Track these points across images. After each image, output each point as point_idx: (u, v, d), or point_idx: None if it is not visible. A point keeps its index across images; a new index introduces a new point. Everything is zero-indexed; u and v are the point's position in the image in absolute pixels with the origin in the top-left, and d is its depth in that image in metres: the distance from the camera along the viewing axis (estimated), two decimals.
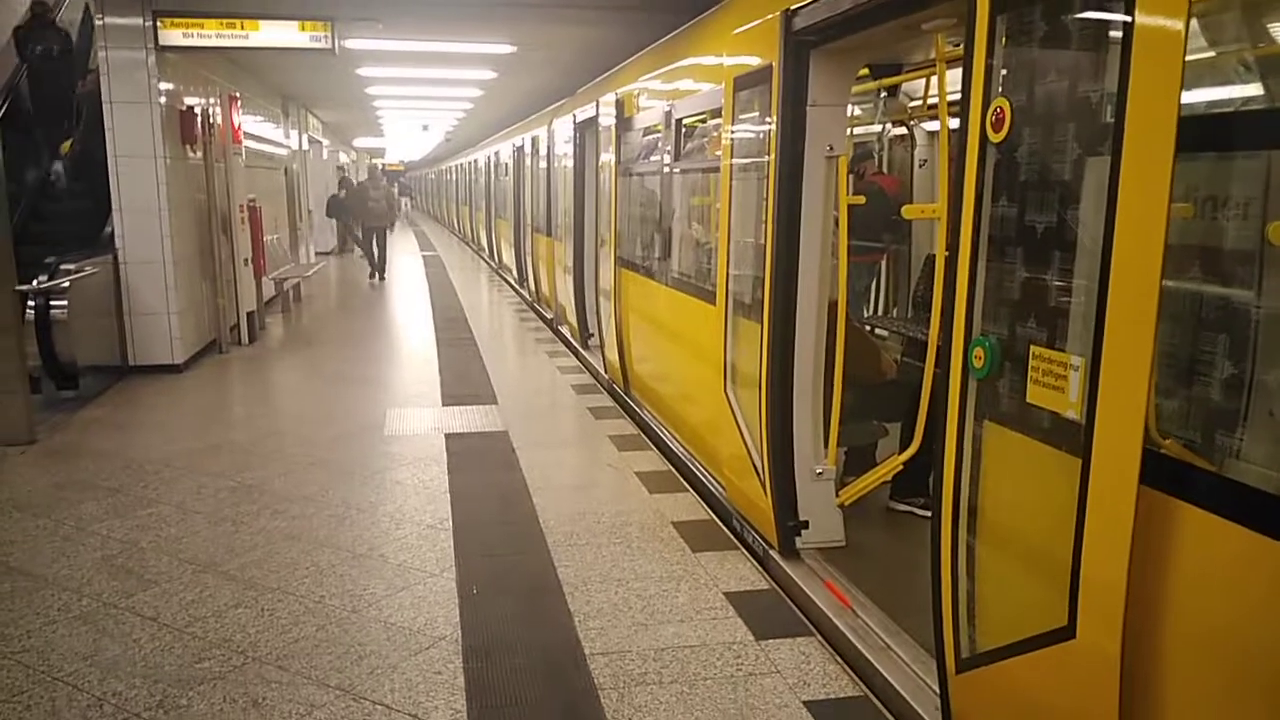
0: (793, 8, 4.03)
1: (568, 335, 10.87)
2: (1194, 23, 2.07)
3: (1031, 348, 2.45)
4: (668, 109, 6.34)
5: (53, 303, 7.27)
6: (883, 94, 6.60)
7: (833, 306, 4.26)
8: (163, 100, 8.40)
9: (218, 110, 10.11)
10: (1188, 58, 1.99)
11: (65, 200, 9.70)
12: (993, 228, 2.63)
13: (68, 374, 7.48)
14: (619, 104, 7.74)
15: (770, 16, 4.23)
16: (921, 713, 3.16)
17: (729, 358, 4.94)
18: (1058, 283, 2.42)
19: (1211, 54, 2.51)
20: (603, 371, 8.62)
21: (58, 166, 9.96)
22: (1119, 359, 2.14)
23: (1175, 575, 2.10)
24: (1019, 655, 2.53)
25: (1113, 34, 2.19)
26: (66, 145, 9.98)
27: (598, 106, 8.58)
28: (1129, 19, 2.09)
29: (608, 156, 8.17)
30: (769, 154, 4.30)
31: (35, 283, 7.16)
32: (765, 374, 4.34)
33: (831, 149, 4.09)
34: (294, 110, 16.56)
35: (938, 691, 3.00)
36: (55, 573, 4.28)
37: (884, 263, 7.67)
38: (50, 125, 10.07)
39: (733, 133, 4.91)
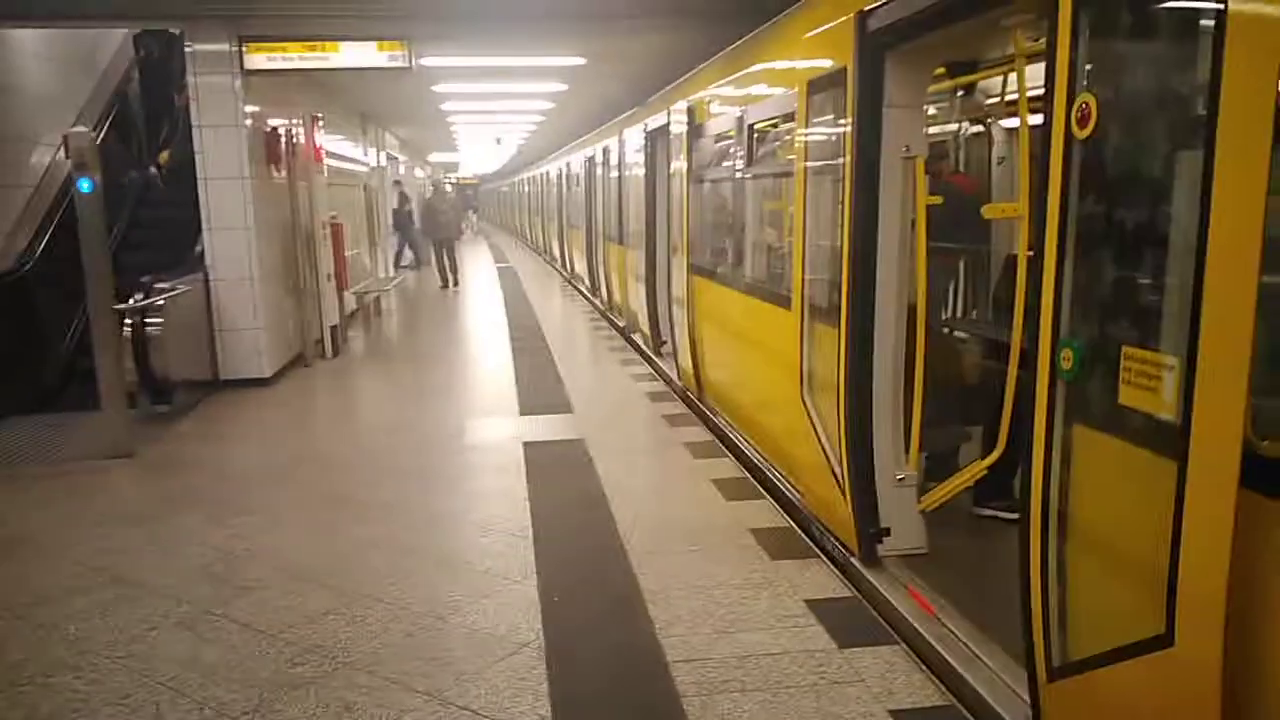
0: (867, 9, 3.99)
1: (640, 343, 10.92)
2: None
3: (1123, 348, 2.39)
4: (740, 114, 6.34)
5: (148, 320, 7.57)
6: (959, 92, 6.48)
7: (912, 309, 4.20)
8: (248, 122, 8.70)
9: (300, 131, 10.43)
10: None
11: (164, 209, 10.09)
12: (1079, 226, 2.58)
13: (162, 389, 7.77)
14: (690, 111, 7.77)
15: (844, 19, 4.20)
16: None
17: (805, 363, 4.91)
18: (1149, 281, 2.36)
19: None
20: (676, 379, 8.63)
21: (154, 173, 10.38)
22: (1216, 358, 2.08)
23: (1277, 580, 2.03)
24: (1114, 664, 2.47)
25: (1204, 22, 2.13)
26: (165, 155, 10.37)
27: (669, 114, 8.61)
28: (1221, 6, 2.03)
29: (679, 164, 8.19)
30: (844, 156, 4.27)
31: (132, 301, 7.47)
32: (844, 379, 4.31)
33: (909, 149, 4.05)
34: (372, 128, 16.97)
35: (1028, 701, 2.93)
36: (156, 581, 4.45)
37: (962, 264, 7.53)
38: (151, 132, 10.47)
39: (807, 136, 4.89)
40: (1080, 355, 2.56)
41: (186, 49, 8.53)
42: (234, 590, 4.30)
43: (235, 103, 8.58)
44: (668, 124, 8.65)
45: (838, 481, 4.45)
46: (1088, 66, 2.56)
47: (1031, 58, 3.50)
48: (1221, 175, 2.04)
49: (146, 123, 11.09)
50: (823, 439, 4.64)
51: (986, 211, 4.60)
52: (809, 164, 4.89)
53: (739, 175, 6.57)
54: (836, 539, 4.62)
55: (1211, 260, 2.06)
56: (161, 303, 7.60)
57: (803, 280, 4.91)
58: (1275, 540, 2.03)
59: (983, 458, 4.12)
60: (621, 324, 12.45)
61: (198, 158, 8.59)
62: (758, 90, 6.09)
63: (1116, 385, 2.42)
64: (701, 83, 7.76)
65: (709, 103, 7.41)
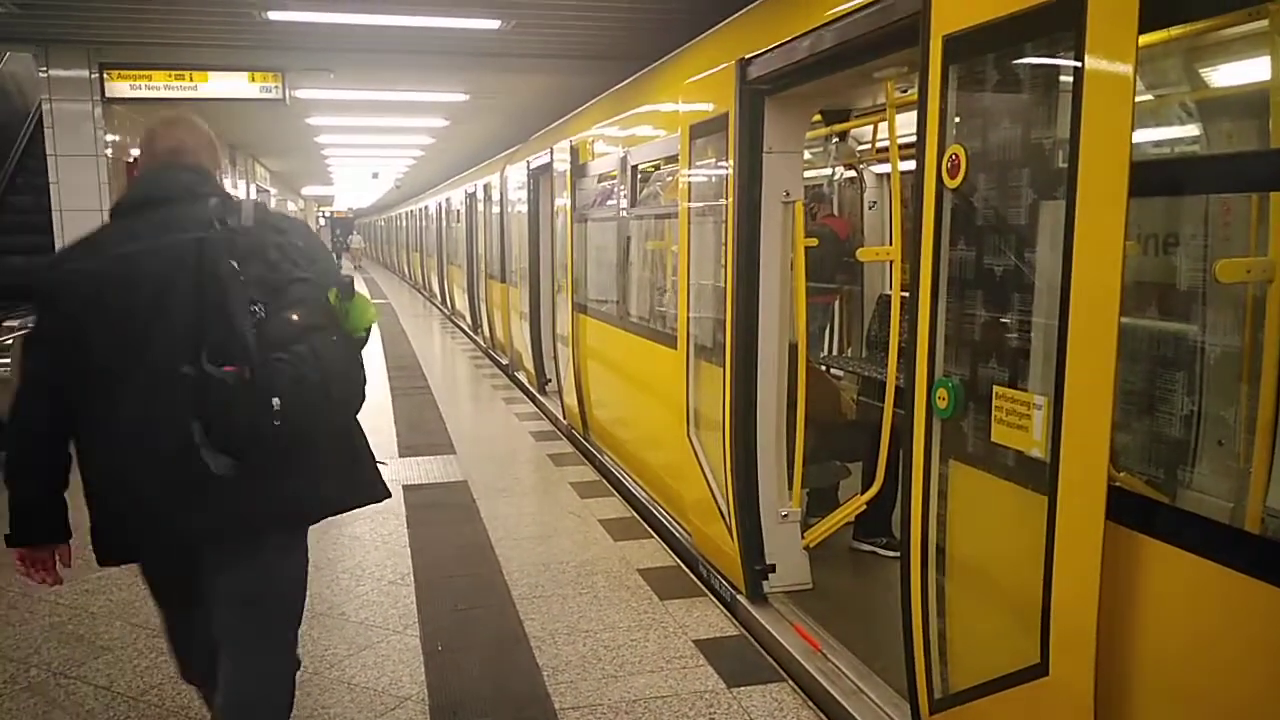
0: (747, 56, 4.09)
1: (524, 381, 10.83)
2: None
3: (995, 388, 2.50)
4: (623, 155, 6.40)
5: None
6: (833, 139, 6.72)
7: (792, 348, 4.30)
8: (109, 152, 8.30)
9: None
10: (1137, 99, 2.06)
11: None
12: (951, 270, 2.68)
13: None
14: (574, 150, 7.80)
15: (726, 65, 4.29)
16: None
17: (691, 402, 4.95)
18: (1017, 324, 2.46)
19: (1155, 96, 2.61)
20: (561, 417, 8.59)
21: None
22: (1081, 397, 2.18)
23: (1142, 608, 2.13)
24: (993, 694, 2.54)
25: (1064, 79, 2.25)
26: None
27: (552, 153, 8.63)
28: (1079, 64, 2.15)
29: (563, 202, 8.19)
30: (726, 199, 4.34)
31: None
32: (729, 416, 4.35)
33: (788, 194, 4.16)
34: (241, 159, 16.44)
35: None
36: (1, 643, 4.11)
37: (837, 303, 7.76)
38: None
39: (690, 178, 4.95)
40: (955, 394, 2.65)
41: (41, 74, 8.10)
42: (89, 650, 4.02)
43: (94, 131, 8.18)
44: (551, 162, 8.67)
45: (724, 519, 4.48)
46: (956, 119, 2.68)
47: (901, 107, 3.67)
48: (1082, 224, 2.16)
49: None
50: (709, 477, 4.68)
51: (862, 255, 4.78)
52: (692, 205, 4.94)
53: (623, 214, 6.62)
54: (723, 577, 4.65)
55: (1075, 304, 2.18)
56: (9, 342, 7.11)
57: (688, 319, 4.95)
58: (1138, 569, 2.12)
59: (861, 493, 4.23)
60: (504, 362, 12.33)
61: (52, 189, 8.14)
62: (641, 131, 6.17)
63: (989, 423, 2.52)
64: (585, 122, 7.83)
65: (593, 142, 7.47)
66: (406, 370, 11.70)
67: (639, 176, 6.38)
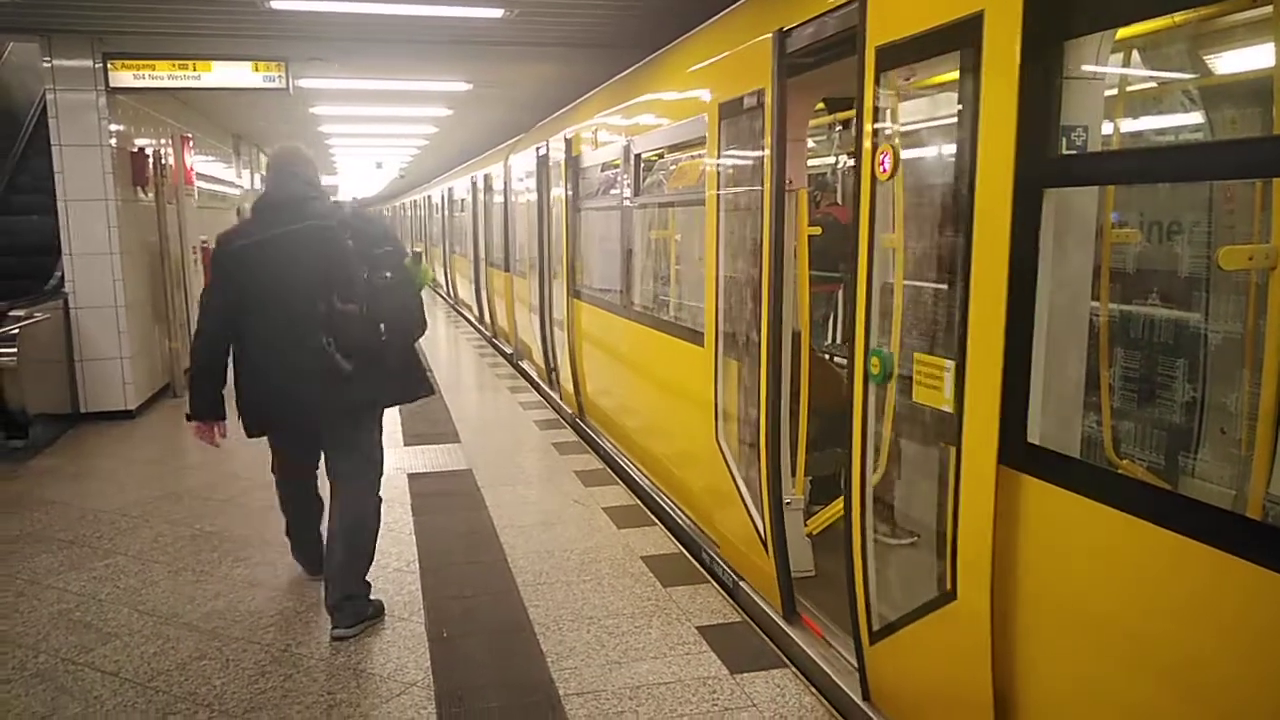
0: (787, 28, 3.85)
1: (529, 370, 10.84)
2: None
3: (915, 355, 2.90)
4: (660, 130, 5.99)
5: (1, 350, 7.11)
6: (837, 127, 6.70)
7: (795, 337, 4.30)
8: (113, 142, 8.30)
9: (169, 151, 10.01)
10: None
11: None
12: (881, 255, 3.11)
13: (17, 423, 7.30)
14: (573, 140, 7.68)
15: (764, 37, 3.98)
16: None
17: (720, 403, 4.66)
18: (933, 299, 2.87)
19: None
20: (565, 407, 8.59)
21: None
22: (979, 360, 2.54)
23: (1026, 538, 2.45)
24: (917, 620, 2.94)
25: (968, 86, 2.57)
26: None
27: (567, 142, 8.24)
28: (978, 73, 2.49)
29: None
30: (763, 184, 4.05)
31: None
32: (765, 413, 4.09)
33: (791, 182, 4.13)
34: (245, 149, 16.44)
35: (855, 664, 3.37)
36: (10, 629, 4.15)
37: (840, 292, 7.76)
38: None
39: (720, 163, 4.63)
40: (885, 361, 3.05)
41: (45, 64, 8.10)
42: (97, 637, 4.05)
43: (98, 121, 8.18)
44: (567, 150, 8.28)
45: (758, 532, 4.25)
46: (887, 122, 3.08)
47: (906, 96, 3.65)
48: (979, 212, 2.51)
49: None
50: (741, 487, 4.44)
51: (886, 242, 4.75)
52: (722, 192, 4.62)
53: (643, 204, 6.37)
54: (726, 565, 4.66)
55: (974, 281, 2.54)
56: (15, 331, 7.15)
57: (716, 314, 4.62)
58: (1022, 505, 2.44)
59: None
60: (508, 351, 12.34)
61: (57, 178, 8.15)
62: (661, 115, 5.88)
63: (912, 386, 2.92)
64: (604, 105, 7.43)
65: (597, 130, 7.40)
66: None
67: (657, 163, 6.29)
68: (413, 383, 4.19)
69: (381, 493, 4.17)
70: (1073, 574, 2.32)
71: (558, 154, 8.12)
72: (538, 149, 9.47)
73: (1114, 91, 3.00)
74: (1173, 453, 2.75)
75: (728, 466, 4.57)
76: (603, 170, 7.28)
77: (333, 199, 4.25)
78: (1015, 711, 2.55)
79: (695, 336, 5.03)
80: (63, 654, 3.90)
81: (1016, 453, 2.42)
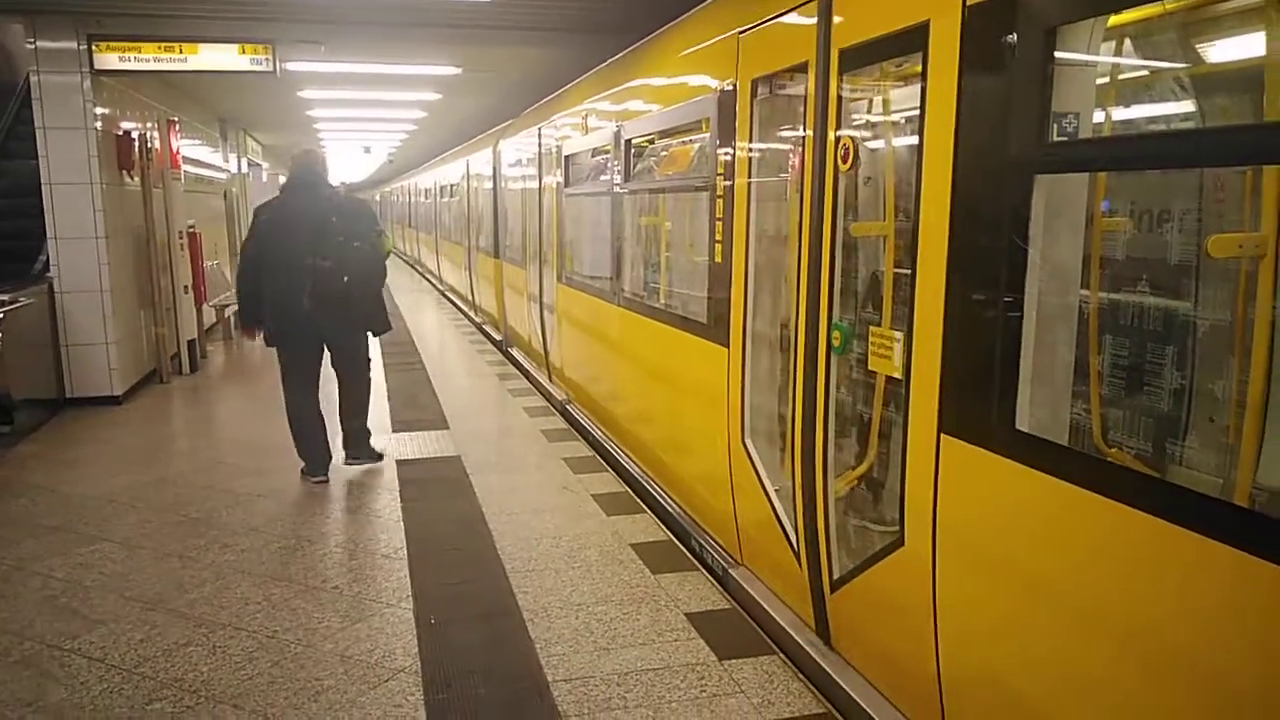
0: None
1: (518, 358, 10.81)
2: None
3: (870, 328, 3.20)
4: (662, 119, 5.63)
5: None
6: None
7: (785, 324, 4.28)
8: (98, 125, 8.22)
9: (155, 135, 9.92)
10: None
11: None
12: (844, 236, 3.43)
13: (2, 408, 7.24)
14: (593, 115, 7.29)
15: (809, 2, 3.58)
16: None
17: (746, 406, 4.34)
18: (890, 276, 3.29)
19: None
20: (556, 394, 8.56)
21: None
22: (923, 332, 2.81)
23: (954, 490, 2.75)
24: (871, 567, 3.24)
25: (916, 84, 2.85)
26: None
27: (585, 118, 7.50)
28: (925, 72, 2.77)
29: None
30: (804, 165, 3.66)
31: None
32: (801, 411, 3.70)
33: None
34: (233, 133, 16.31)
35: (812, 612, 3.70)
36: None
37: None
38: None
39: (751, 147, 4.23)
40: (845, 334, 3.36)
41: (29, 45, 8.01)
42: (83, 623, 4.03)
43: (83, 104, 8.10)
44: (582, 131, 7.57)
45: (790, 544, 3.93)
46: (850, 116, 3.36)
47: (896, 82, 3.61)
48: (925, 201, 2.80)
49: None
50: (771, 495, 4.15)
51: (855, 230, 4.72)
52: (755, 179, 4.24)
53: (665, 186, 5.85)
54: (717, 552, 4.66)
55: (920, 259, 2.82)
56: (0, 316, 7.09)
57: (744, 308, 4.30)
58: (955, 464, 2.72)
59: (854, 469, 4.22)
60: (498, 338, 12.30)
61: (42, 161, 8.07)
62: (677, 94, 5.30)
63: (867, 355, 3.23)
64: (612, 82, 6.82)
65: (627, 103, 7.23)
66: (400, 346, 11.67)
67: (638, 149, 6.23)
68: (377, 318, 6.13)
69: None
70: (1003, 524, 2.61)
71: (575, 133, 7.60)
72: (545, 129, 8.92)
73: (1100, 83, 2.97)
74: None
75: (755, 473, 4.26)
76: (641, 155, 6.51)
77: (333, 186, 6.07)
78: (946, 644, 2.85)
79: (717, 334, 4.62)
80: (48, 640, 3.88)
81: (951, 417, 2.75)
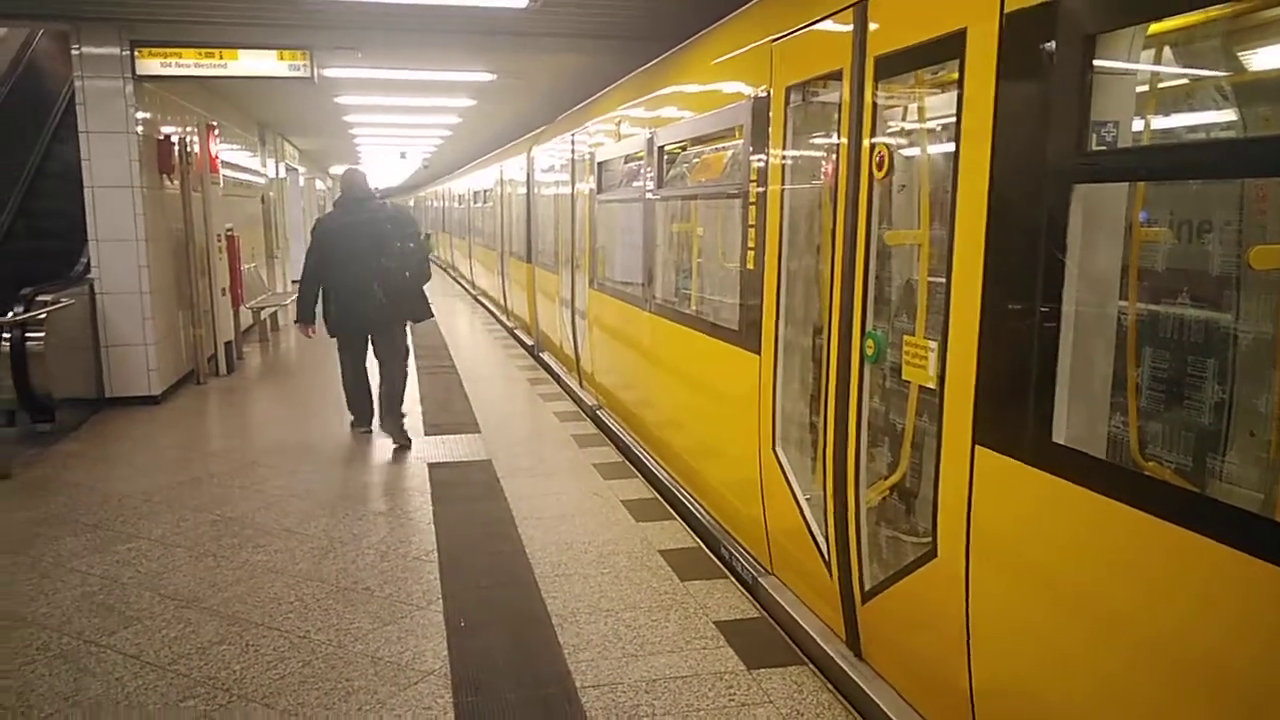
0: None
1: (549, 362, 10.84)
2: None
3: (904, 337, 3.19)
4: (695, 126, 5.64)
5: (29, 334, 7.19)
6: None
7: (817, 331, 4.26)
8: (140, 129, 8.37)
9: (195, 139, 10.08)
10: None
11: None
12: (879, 245, 3.42)
13: (44, 407, 7.38)
14: (626, 122, 7.27)
15: (846, 8, 3.56)
16: None
17: (777, 412, 4.32)
18: (926, 286, 3.22)
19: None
20: (587, 399, 8.58)
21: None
22: (959, 342, 2.80)
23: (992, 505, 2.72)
24: (904, 578, 3.21)
25: (951, 93, 2.85)
26: None
27: (618, 125, 7.43)
28: (961, 81, 2.77)
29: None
30: (838, 171, 3.64)
31: (10, 314, 7.08)
32: (834, 419, 3.67)
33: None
34: (270, 138, 16.53)
35: (843, 622, 3.66)
36: (34, 611, 4.20)
37: None
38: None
39: (785, 154, 4.21)
40: (879, 343, 3.35)
41: (74, 51, 8.17)
42: (119, 620, 4.10)
43: (125, 108, 8.25)
44: (617, 139, 7.52)
45: (821, 554, 3.90)
46: (886, 124, 3.36)
47: (932, 89, 3.60)
48: (961, 210, 2.78)
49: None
50: (802, 504, 4.11)
51: (889, 238, 4.69)
52: (787, 185, 4.21)
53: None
54: (746, 559, 4.64)
55: (956, 268, 2.80)
56: (43, 316, 7.22)
57: (776, 315, 4.28)
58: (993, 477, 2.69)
59: (885, 479, 4.19)
60: (530, 343, 12.35)
61: (84, 165, 8.23)
62: (707, 101, 5.33)
63: (901, 364, 3.20)
64: (648, 87, 6.77)
65: (658, 111, 7.30)
66: (433, 350, 11.76)
67: (661, 156, 6.23)
68: (422, 308, 7.13)
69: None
70: (1040, 536, 2.58)
71: (609, 140, 7.49)
72: (577, 135, 8.96)
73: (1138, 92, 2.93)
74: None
75: (786, 480, 4.22)
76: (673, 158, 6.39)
77: (376, 198, 7.24)
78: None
79: (749, 341, 4.60)
80: (85, 636, 3.95)
81: (986, 428, 2.73)
